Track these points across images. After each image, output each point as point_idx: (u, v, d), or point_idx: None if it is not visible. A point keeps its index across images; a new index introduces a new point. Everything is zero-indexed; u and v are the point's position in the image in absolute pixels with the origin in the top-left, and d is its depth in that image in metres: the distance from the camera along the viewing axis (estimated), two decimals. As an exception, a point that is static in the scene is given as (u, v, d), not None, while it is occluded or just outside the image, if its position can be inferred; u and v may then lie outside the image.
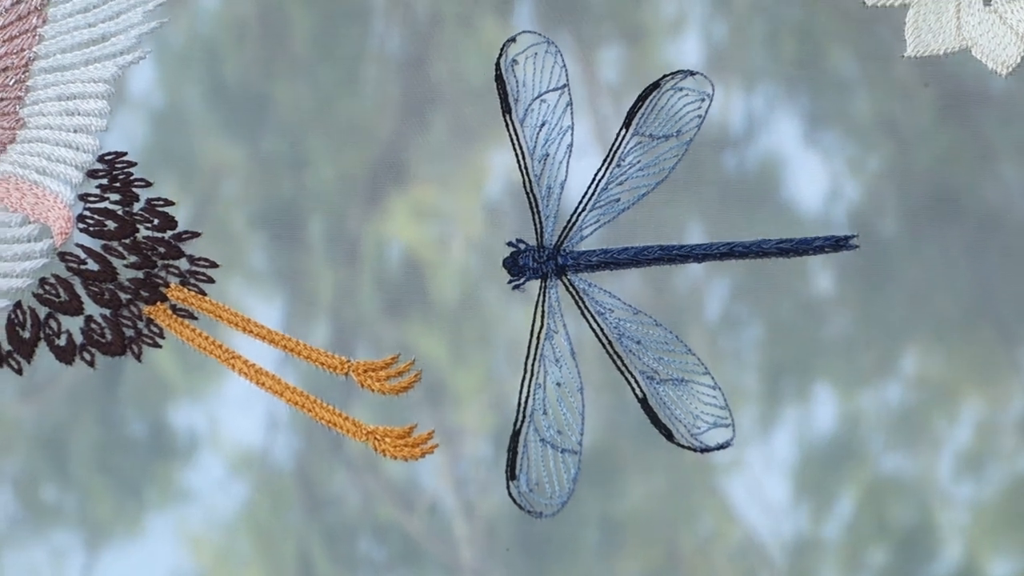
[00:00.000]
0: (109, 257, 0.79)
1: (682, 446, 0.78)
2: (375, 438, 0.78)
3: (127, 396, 0.79)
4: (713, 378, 0.78)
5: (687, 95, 0.81)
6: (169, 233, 0.80)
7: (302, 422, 0.79)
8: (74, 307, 0.79)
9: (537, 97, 0.81)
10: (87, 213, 0.80)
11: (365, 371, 0.79)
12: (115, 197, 0.80)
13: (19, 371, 0.79)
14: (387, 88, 0.81)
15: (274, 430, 0.79)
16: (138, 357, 0.79)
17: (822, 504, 0.78)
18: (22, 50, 0.82)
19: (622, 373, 0.78)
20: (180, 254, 0.80)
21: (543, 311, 0.79)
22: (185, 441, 0.79)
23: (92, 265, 0.79)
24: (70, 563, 0.79)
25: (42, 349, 0.79)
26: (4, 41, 0.81)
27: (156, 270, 0.80)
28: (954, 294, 0.79)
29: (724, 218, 0.80)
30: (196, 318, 0.80)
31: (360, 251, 0.80)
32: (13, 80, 0.81)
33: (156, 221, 0.80)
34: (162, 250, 0.80)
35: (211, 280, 0.80)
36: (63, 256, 0.79)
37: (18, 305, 0.79)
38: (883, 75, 0.81)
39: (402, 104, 0.81)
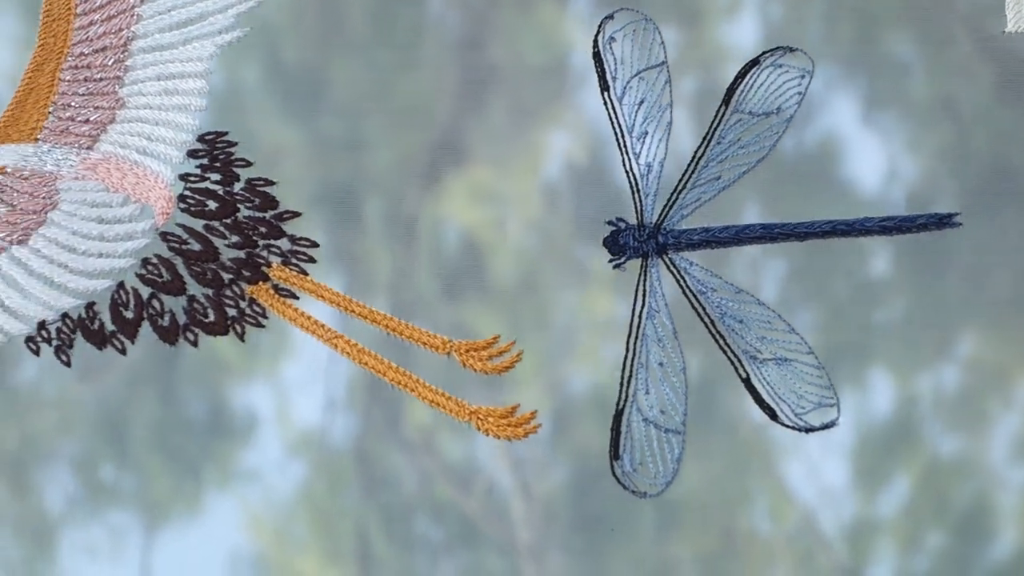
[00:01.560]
0: (211, 237, 0.79)
1: (786, 426, 0.77)
2: (478, 418, 0.78)
3: (186, 377, 0.79)
4: (817, 357, 0.78)
5: (787, 72, 0.80)
6: (270, 213, 0.80)
7: (360, 403, 0.79)
8: (177, 287, 0.79)
9: (636, 75, 0.80)
10: (188, 193, 0.80)
11: (467, 351, 0.79)
12: (216, 177, 0.80)
13: (123, 351, 0.78)
14: (445, 69, 0.81)
15: (332, 411, 0.79)
16: (241, 337, 0.79)
17: (879, 486, 0.78)
18: (120, 30, 0.81)
19: (724, 352, 0.78)
20: (281, 234, 0.79)
21: (644, 290, 0.79)
22: (244, 421, 0.79)
23: (194, 245, 0.79)
24: (129, 542, 0.79)
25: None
26: (103, 21, 0.81)
27: (258, 250, 0.79)
28: (1011, 275, 0.79)
29: (782, 198, 0.79)
30: (297, 297, 0.80)
31: (417, 232, 0.80)
32: (112, 60, 0.81)
33: (257, 201, 0.80)
34: (263, 230, 0.79)
35: (313, 260, 0.80)
36: (165, 236, 0.79)
37: (121, 285, 0.79)
38: (940, 55, 0.80)
39: (460, 85, 0.81)
